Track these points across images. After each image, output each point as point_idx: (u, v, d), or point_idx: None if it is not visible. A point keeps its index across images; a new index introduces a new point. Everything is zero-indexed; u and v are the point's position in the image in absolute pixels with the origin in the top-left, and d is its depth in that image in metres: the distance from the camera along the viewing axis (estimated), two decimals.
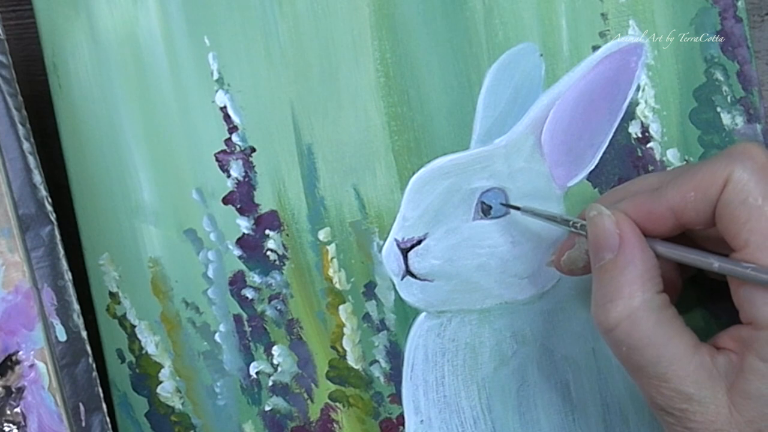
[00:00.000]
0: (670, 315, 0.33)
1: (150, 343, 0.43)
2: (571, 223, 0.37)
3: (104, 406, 0.40)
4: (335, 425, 0.43)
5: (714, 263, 0.33)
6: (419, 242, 0.41)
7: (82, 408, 0.39)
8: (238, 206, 0.42)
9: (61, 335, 0.39)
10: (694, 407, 0.32)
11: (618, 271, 0.34)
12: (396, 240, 0.42)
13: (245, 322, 0.42)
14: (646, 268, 0.33)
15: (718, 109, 0.41)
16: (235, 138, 0.42)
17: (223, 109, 0.42)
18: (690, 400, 0.32)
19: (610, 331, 0.34)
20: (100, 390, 0.40)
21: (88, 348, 0.40)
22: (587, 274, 0.37)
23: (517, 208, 0.40)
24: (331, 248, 0.42)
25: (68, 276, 0.40)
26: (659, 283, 0.34)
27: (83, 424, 0.39)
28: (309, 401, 0.43)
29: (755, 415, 0.32)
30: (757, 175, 0.32)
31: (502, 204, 0.41)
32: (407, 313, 0.42)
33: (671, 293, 0.34)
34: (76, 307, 0.40)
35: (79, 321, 0.40)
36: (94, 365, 0.40)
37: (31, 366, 0.39)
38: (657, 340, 0.33)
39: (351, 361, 0.42)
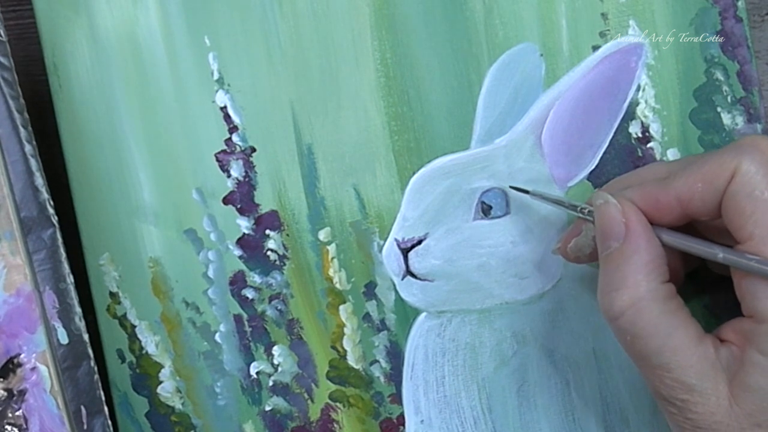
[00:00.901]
0: (675, 305, 0.34)
1: (150, 343, 0.43)
2: (579, 208, 0.37)
3: (106, 409, 0.40)
4: (335, 425, 0.43)
5: (719, 254, 0.33)
6: (419, 242, 0.41)
7: (83, 411, 0.39)
8: (239, 206, 0.42)
9: (63, 338, 0.39)
10: (696, 398, 0.32)
11: (624, 260, 0.34)
12: (396, 240, 0.42)
13: (245, 322, 0.42)
14: (652, 258, 0.34)
15: (719, 109, 0.41)
16: (235, 138, 0.42)
17: (224, 109, 0.42)
18: (691, 390, 0.32)
19: (615, 320, 0.34)
20: (102, 393, 0.40)
21: (90, 351, 0.40)
22: (593, 262, 0.37)
23: (527, 192, 0.40)
24: (332, 248, 0.42)
25: (70, 279, 0.40)
26: (665, 272, 0.34)
27: (85, 427, 0.39)
28: (309, 401, 0.43)
29: (754, 409, 0.32)
30: (765, 167, 0.32)
31: (511, 187, 0.40)
32: (407, 313, 0.42)
33: (674, 283, 0.34)
34: (78, 309, 0.40)
35: (81, 324, 0.40)
36: (95, 368, 0.40)
37: (33, 369, 0.39)
38: (661, 330, 0.33)
39: (351, 361, 0.42)
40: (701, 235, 0.36)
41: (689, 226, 0.36)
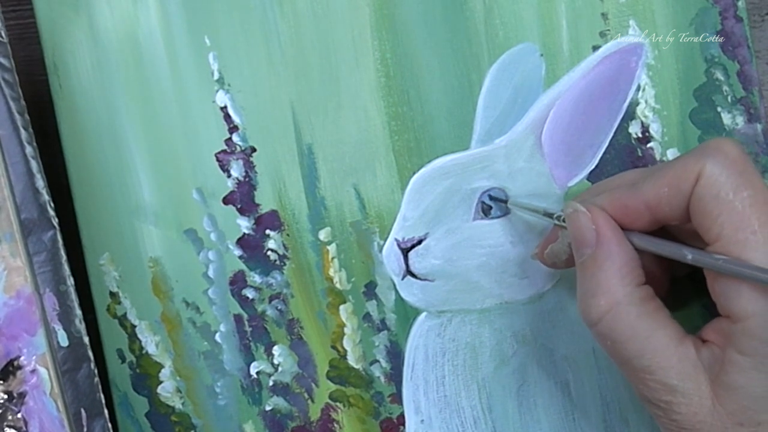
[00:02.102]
0: (653, 307, 0.34)
1: (150, 343, 0.43)
2: (554, 216, 0.37)
3: (106, 411, 0.40)
4: (336, 425, 0.43)
5: (688, 255, 0.33)
6: (419, 242, 0.41)
7: (83, 413, 0.39)
8: (239, 206, 0.42)
9: (63, 340, 0.39)
10: (678, 399, 0.33)
11: (597, 267, 0.34)
12: (396, 240, 0.42)
13: (246, 322, 0.42)
14: (625, 262, 0.34)
15: (719, 109, 0.41)
16: (235, 138, 0.42)
17: (224, 109, 0.42)
18: (674, 391, 0.33)
19: (594, 326, 0.34)
20: (102, 395, 0.40)
21: (90, 353, 0.40)
22: (570, 268, 0.37)
23: (504, 201, 0.40)
24: (332, 248, 0.42)
25: (70, 281, 0.39)
26: (640, 275, 0.34)
27: (85, 429, 0.39)
28: (309, 401, 0.43)
29: (736, 408, 0.32)
30: (729, 169, 0.32)
31: (490, 196, 0.41)
32: (408, 313, 0.42)
33: (656, 287, 0.35)
34: (78, 312, 0.40)
35: (81, 326, 0.40)
36: (95, 370, 0.40)
37: (33, 371, 0.39)
38: (639, 333, 0.33)
39: (351, 360, 0.42)
40: (676, 239, 0.36)
41: (666, 232, 0.36)
